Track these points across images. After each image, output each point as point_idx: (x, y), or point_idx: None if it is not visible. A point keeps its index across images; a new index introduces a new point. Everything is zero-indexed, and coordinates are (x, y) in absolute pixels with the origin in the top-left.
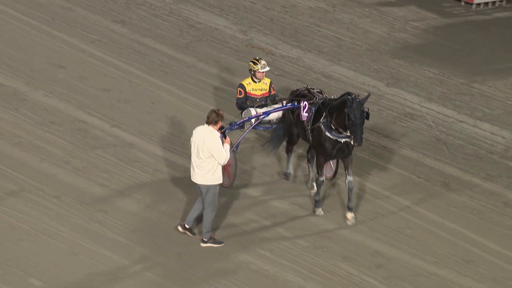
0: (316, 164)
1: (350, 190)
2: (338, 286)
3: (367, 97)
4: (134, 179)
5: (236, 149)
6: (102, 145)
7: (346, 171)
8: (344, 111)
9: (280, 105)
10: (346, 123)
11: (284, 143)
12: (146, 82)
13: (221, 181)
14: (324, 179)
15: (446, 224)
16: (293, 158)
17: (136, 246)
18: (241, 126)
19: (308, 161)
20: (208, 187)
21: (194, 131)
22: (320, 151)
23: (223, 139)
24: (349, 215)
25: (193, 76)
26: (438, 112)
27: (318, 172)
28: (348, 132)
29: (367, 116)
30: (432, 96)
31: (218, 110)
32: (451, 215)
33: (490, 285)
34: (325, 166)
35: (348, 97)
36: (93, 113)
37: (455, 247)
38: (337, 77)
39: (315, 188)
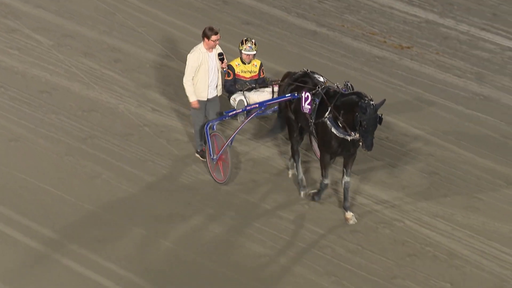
0: (320, 164)
1: (346, 190)
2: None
3: (382, 103)
4: None
5: (231, 143)
6: None
7: (345, 170)
8: (355, 114)
9: (277, 95)
10: (358, 129)
11: (284, 137)
12: None
13: (190, 99)
14: (328, 182)
15: (175, 22)
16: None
17: None
18: (234, 117)
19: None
20: None
21: None
22: (325, 149)
23: (221, 62)
24: (349, 214)
25: None
26: None
27: (322, 173)
28: (358, 135)
29: (380, 121)
30: None
31: (210, 27)
32: (183, 15)
33: None
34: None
35: (362, 102)
36: None
37: (183, 41)
38: None
39: (301, 179)
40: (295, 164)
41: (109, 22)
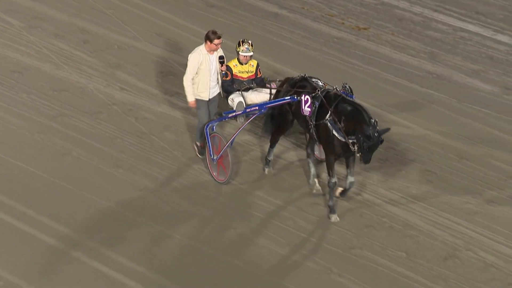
0: (326, 164)
1: (348, 190)
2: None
3: (386, 131)
4: None
5: (231, 144)
6: None
7: (349, 171)
8: (357, 134)
9: (276, 98)
10: (360, 148)
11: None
12: None
13: (188, 99)
14: (336, 180)
15: (142, 4)
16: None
17: None
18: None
19: (308, 156)
20: None
21: None
22: (329, 150)
23: (220, 65)
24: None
25: None
26: None
27: (329, 173)
28: (356, 147)
29: (381, 142)
30: None
31: (213, 31)
32: None
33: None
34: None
35: (366, 129)
36: None
37: (150, 23)
38: None
39: (317, 185)
40: (269, 149)
41: (78, 4)
